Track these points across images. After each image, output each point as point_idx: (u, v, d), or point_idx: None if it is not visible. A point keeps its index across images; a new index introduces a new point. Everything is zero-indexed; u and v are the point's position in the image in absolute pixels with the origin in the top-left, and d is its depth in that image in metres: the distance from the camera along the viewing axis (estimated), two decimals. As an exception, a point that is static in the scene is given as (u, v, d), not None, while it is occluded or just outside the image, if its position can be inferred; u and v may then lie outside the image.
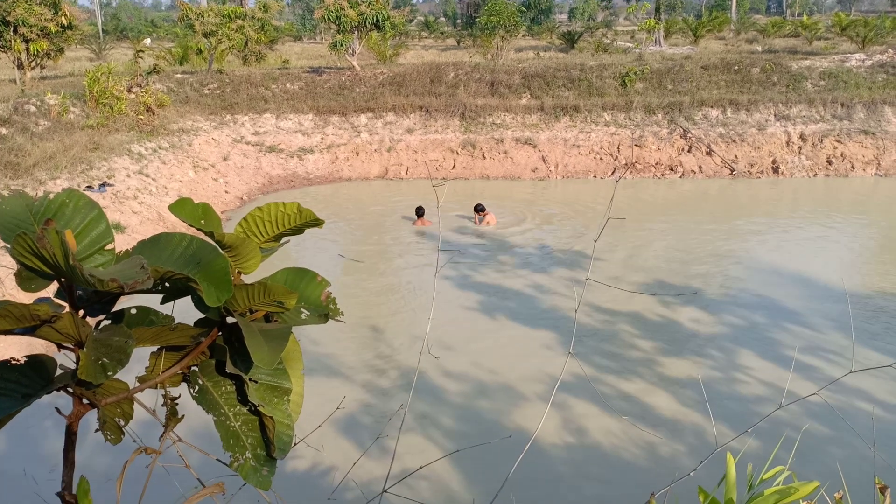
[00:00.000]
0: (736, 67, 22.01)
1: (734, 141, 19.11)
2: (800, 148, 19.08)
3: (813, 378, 7.61)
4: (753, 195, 17.37)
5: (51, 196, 1.40)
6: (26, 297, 1.80)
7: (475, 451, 5.53)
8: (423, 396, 7.49)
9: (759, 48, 30.00)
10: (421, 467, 2.64)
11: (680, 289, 10.76)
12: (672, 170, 18.89)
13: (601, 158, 19.11)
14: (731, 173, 18.69)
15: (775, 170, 18.75)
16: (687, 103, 20.02)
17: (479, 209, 14.09)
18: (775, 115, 19.74)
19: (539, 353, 8.68)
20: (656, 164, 19.02)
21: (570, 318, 9.59)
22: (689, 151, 19.12)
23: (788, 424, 6.53)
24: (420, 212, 14.35)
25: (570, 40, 40.05)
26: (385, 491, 2.20)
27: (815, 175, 18.60)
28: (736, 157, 18.93)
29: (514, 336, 9.24)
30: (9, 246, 1.26)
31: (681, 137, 19.30)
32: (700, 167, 18.83)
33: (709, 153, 19.00)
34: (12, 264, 9.79)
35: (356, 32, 22.79)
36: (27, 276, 1.29)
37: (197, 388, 1.48)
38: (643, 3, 33.78)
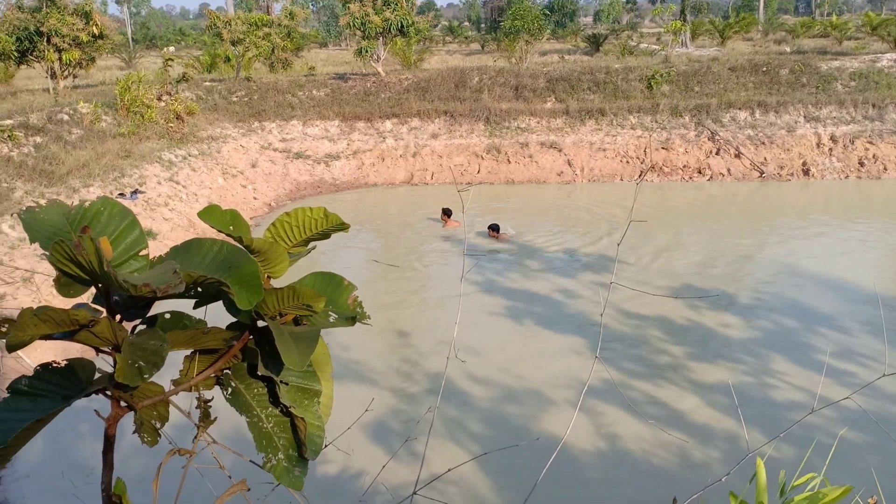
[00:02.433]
0: (764, 69, 21.73)
1: (763, 143, 18.86)
2: (830, 150, 18.77)
3: (846, 382, 7.47)
4: (783, 198, 17.13)
5: (86, 204, 1.44)
6: (62, 303, 1.85)
7: (503, 455, 5.52)
8: (450, 400, 7.50)
9: (788, 49, 29.60)
10: (450, 469, 2.65)
11: (705, 291, 10.65)
12: (700, 172, 18.69)
13: (628, 161, 18.99)
14: (760, 176, 18.45)
15: (806, 172, 18.47)
16: (714, 105, 19.81)
17: (493, 228, 13.67)
18: (805, 117, 19.44)
19: (566, 357, 8.64)
20: (684, 166, 18.84)
21: (596, 322, 9.54)
22: (717, 154, 18.91)
23: (821, 430, 6.42)
24: (448, 212, 14.42)
25: (595, 43, 39.90)
26: (415, 493, 2.22)
27: (847, 177, 18.27)
28: (765, 159, 18.68)
29: (541, 340, 9.21)
30: (47, 253, 1.30)
31: (708, 140, 19.10)
32: (729, 170, 18.61)
33: (737, 155, 18.77)
34: (48, 270, 10.01)
35: (381, 38, 22.93)
36: (66, 283, 1.33)
37: (230, 390, 1.50)
38: (669, 5, 33.53)
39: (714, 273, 11.64)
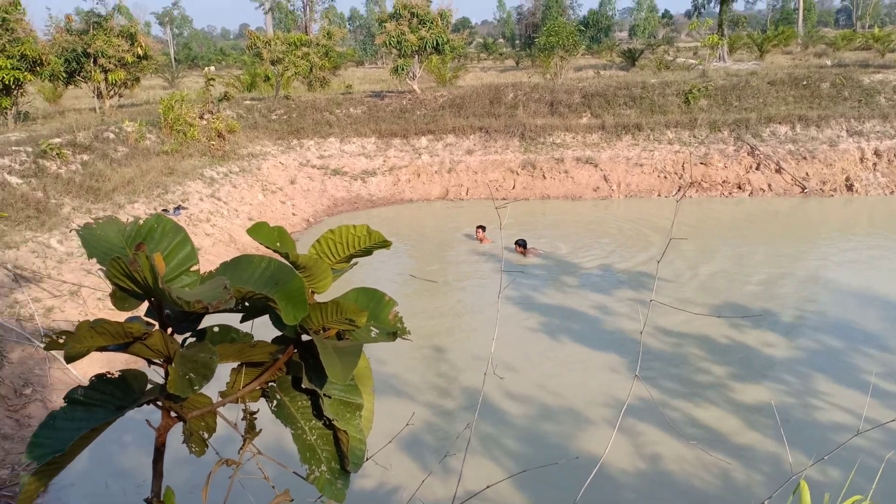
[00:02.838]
0: (804, 82, 21.39)
1: (804, 158, 18.52)
2: (874, 164, 18.34)
3: (892, 404, 7.26)
4: (826, 214, 16.77)
5: (140, 221, 1.49)
6: (108, 316, 1.91)
7: (541, 474, 5.48)
8: (486, 417, 7.47)
9: (829, 62, 29.09)
10: (489, 486, 2.66)
11: (747, 311, 10.45)
12: (740, 188, 18.42)
13: (665, 177, 18.81)
14: (802, 191, 18.11)
15: (849, 187, 18.07)
16: (754, 120, 19.54)
17: (520, 244, 13.63)
18: (847, 131, 19.05)
19: (604, 375, 8.56)
20: (723, 182, 18.59)
21: (634, 340, 9.43)
22: (757, 169, 18.62)
23: (867, 452, 6.25)
24: (483, 228, 14.64)
25: (631, 58, 39.75)
26: (452, 509, 2.22)
27: (892, 192, 17.82)
28: (807, 174, 18.34)
29: (578, 358, 9.14)
30: (104, 268, 1.35)
31: (748, 155, 18.83)
32: (769, 185, 18.31)
33: (778, 171, 18.46)
34: (94, 284, 10.28)
35: (416, 56, 23.17)
36: (121, 297, 1.38)
37: (275, 402, 1.54)
38: (706, 20, 33.25)
39: (756, 291, 11.43)
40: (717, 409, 7.62)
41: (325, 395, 1.51)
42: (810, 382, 8.12)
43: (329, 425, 1.54)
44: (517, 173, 19.36)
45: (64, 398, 1.40)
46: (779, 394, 7.90)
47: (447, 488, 5.91)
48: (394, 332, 1.63)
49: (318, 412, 1.55)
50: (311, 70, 25.48)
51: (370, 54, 67.36)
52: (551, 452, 6.82)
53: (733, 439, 7.01)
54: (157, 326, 1.39)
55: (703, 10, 46.52)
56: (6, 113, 18.71)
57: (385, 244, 1.68)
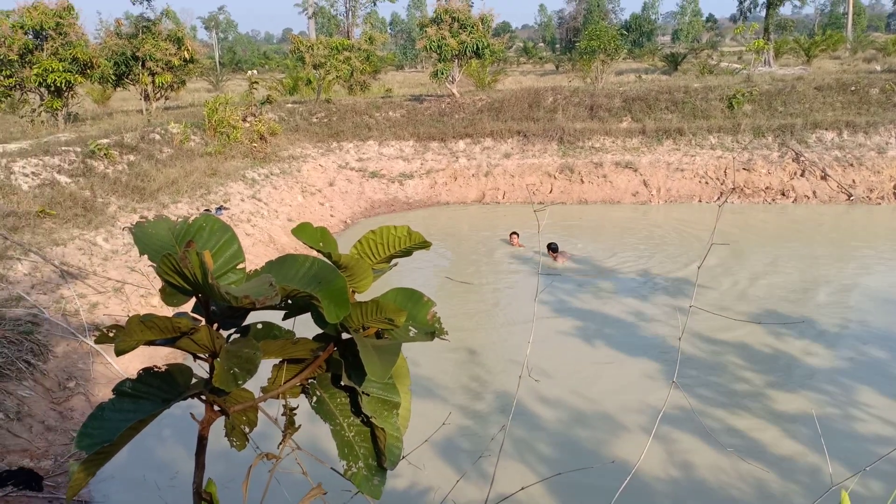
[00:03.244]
0: (853, 88, 20.87)
1: (851, 165, 18.07)
2: (926, 171, 17.80)
3: (942, 419, 7.04)
4: (873, 222, 16.33)
5: (190, 220, 1.55)
6: (155, 314, 1.97)
7: (574, 479, 5.45)
8: (520, 421, 7.46)
9: (878, 67, 28.33)
10: (523, 488, 2.66)
11: (789, 318, 10.24)
12: (783, 195, 18.05)
13: (706, 182, 18.52)
14: (848, 199, 17.66)
15: (898, 195, 17.57)
16: (799, 125, 19.13)
17: (552, 248, 13.49)
18: (898, 137, 18.53)
19: (639, 382, 8.47)
20: (766, 188, 18.23)
21: (671, 346, 9.31)
22: (801, 175, 18.22)
23: (914, 468, 6.07)
24: (515, 234, 14.78)
25: (674, 62, 39.29)
26: (486, 510, 2.24)
27: (945, 200, 17.27)
28: (853, 181, 17.88)
29: (614, 363, 9.06)
30: (155, 265, 1.41)
31: (793, 161, 18.44)
32: (814, 192, 17.90)
33: (824, 177, 18.04)
34: (138, 281, 10.53)
35: (456, 60, 23.23)
36: (170, 293, 1.44)
37: (315, 398, 1.58)
38: (751, 24, 32.68)
39: (797, 299, 11.19)
40: (756, 417, 7.49)
41: (363, 392, 1.54)
42: (852, 393, 7.92)
43: (367, 422, 1.57)
44: (555, 177, 19.27)
45: (112, 390, 1.45)
46: (819, 404, 7.73)
47: (479, 491, 5.91)
48: (432, 332, 1.65)
49: (356, 409, 1.58)
50: (351, 74, 25.72)
51: (410, 58, 67.77)
52: (585, 458, 6.77)
53: (771, 449, 6.88)
54: (203, 322, 1.43)
55: (748, 15, 45.75)
56: (57, 114, 19.29)
57: (425, 245, 1.70)
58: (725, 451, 6.65)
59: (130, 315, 1.39)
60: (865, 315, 10.40)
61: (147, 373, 1.49)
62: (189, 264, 1.30)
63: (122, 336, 1.39)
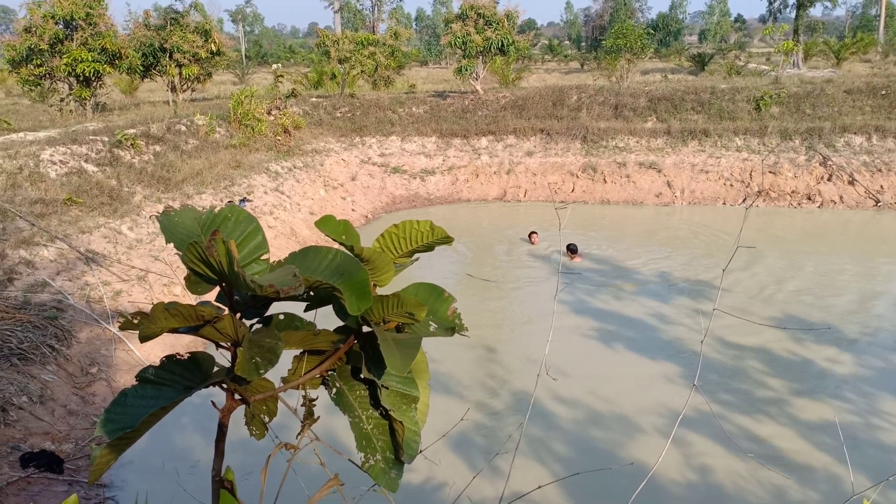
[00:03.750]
0: (883, 92, 20.51)
1: (880, 170, 17.77)
2: (958, 178, 17.46)
3: (968, 430, 6.91)
4: (902, 228, 16.06)
5: (216, 210, 1.56)
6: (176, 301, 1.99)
7: (589, 480, 5.42)
8: (536, 420, 7.44)
9: (912, 70, 27.83)
10: (539, 486, 2.65)
11: (813, 324, 10.11)
12: (810, 199, 17.80)
13: (731, 185, 18.32)
14: (875, 204, 17.38)
15: (928, 201, 17.25)
16: (827, 129, 18.85)
17: (571, 249, 13.50)
18: (929, 143, 18.19)
19: (658, 384, 8.41)
20: (792, 192, 17.99)
21: (691, 349, 9.23)
22: (828, 180, 17.96)
23: (938, 479, 5.97)
24: (535, 233, 14.81)
25: (701, 62, 38.87)
26: (501, 507, 2.23)
27: (976, 208, 16.94)
28: (882, 187, 17.59)
29: (633, 365, 9.00)
30: (181, 253, 1.42)
31: (820, 165, 18.18)
32: (841, 197, 17.63)
33: (851, 182, 17.77)
34: (161, 269, 10.64)
35: (481, 57, 23.19)
36: (195, 281, 1.45)
37: (335, 390, 1.58)
38: (781, 25, 32.24)
39: (822, 305, 11.04)
40: (776, 424, 7.40)
41: (382, 385, 1.54)
42: (876, 402, 7.81)
43: (385, 416, 1.57)
44: (577, 176, 19.18)
45: (136, 377, 1.47)
46: (842, 412, 7.62)
47: (494, 488, 5.91)
48: (452, 328, 1.65)
49: (375, 402, 1.59)
50: (376, 69, 25.78)
51: (435, 54, 67.73)
52: (601, 459, 6.74)
53: (791, 456, 6.80)
54: (227, 311, 1.44)
55: (778, 15, 45.14)
56: (85, 103, 19.56)
57: (447, 240, 1.70)
58: (745, 456, 6.58)
59: (153, 303, 1.41)
60: (889, 323, 10.23)
61: (170, 360, 1.50)
62: (215, 253, 1.31)
63: (146, 323, 1.40)
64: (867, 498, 2.06)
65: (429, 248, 1.73)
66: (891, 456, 6.71)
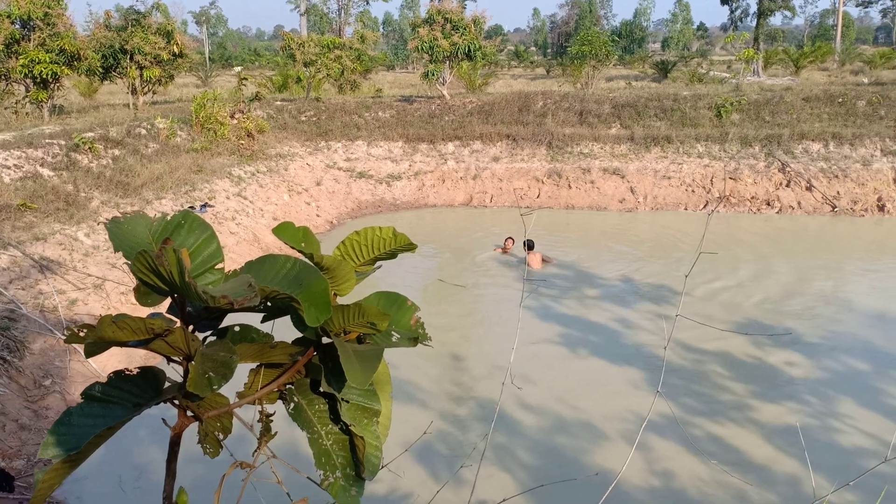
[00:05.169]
0: (840, 100, 21.05)
1: (836, 176, 18.21)
2: (910, 185, 17.97)
3: (923, 432, 7.07)
4: (856, 234, 16.46)
5: (168, 217, 1.49)
6: (131, 311, 1.91)
7: (555, 490, 5.41)
8: (502, 429, 7.41)
9: (866, 80, 28.63)
10: (504, 500, 2.61)
11: (774, 329, 10.28)
12: (769, 205, 18.16)
13: (693, 191, 18.61)
14: (832, 210, 17.81)
15: (881, 208, 17.72)
16: (786, 136, 19.27)
17: (528, 246, 12.84)
18: (882, 151, 18.71)
19: (623, 390, 8.46)
20: (752, 198, 18.34)
21: (656, 355, 9.31)
22: (787, 186, 18.35)
23: (892, 480, 6.09)
24: (512, 239, 14.38)
25: (664, 70, 39.50)
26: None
27: (927, 214, 17.45)
28: (838, 193, 18.03)
29: (598, 371, 9.04)
30: (130, 262, 1.35)
31: (779, 171, 18.57)
32: (799, 203, 18.03)
33: (809, 188, 18.18)
34: (118, 278, 10.39)
35: (447, 62, 23.20)
36: (144, 292, 1.38)
37: (293, 405, 1.52)
38: (741, 33, 32.91)
39: (781, 310, 11.24)
40: (739, 428, 7.49)
41: (343, 399, 1.49)
42: (835, 405, 7.95)
43: (346, 430, 1.52)
44: (542, 182, 19.28)
45: (81, 395, 1.39)
46: (802, 415, 7.75)
47: (460, 499, 5.86)
48: (415, 338, 1.60)
49: (335, 416, 1.53)
50: (342, 73, 25.62)
51: (401, 59, 67.71)
52: (567, 467, 6.74)
53: (753, 459, 6.89)
54: (178, 324, 1.38)
55: (739, 24, 46.12)
56: (42, 106, 19.05)
57: (411, 247, 1.66)
58: (708, 461, 6.64)
59: (109, 313, 1.33)
60: (848, 327, 10.46)
61: (118, 376, 1.43)
62: (165, 262, 1.24)
63: (93, 336, 1.33)
64: (827, 501, 2.06)
65: (392, 255, 1.69)
66: (849, 458, 6.83)
